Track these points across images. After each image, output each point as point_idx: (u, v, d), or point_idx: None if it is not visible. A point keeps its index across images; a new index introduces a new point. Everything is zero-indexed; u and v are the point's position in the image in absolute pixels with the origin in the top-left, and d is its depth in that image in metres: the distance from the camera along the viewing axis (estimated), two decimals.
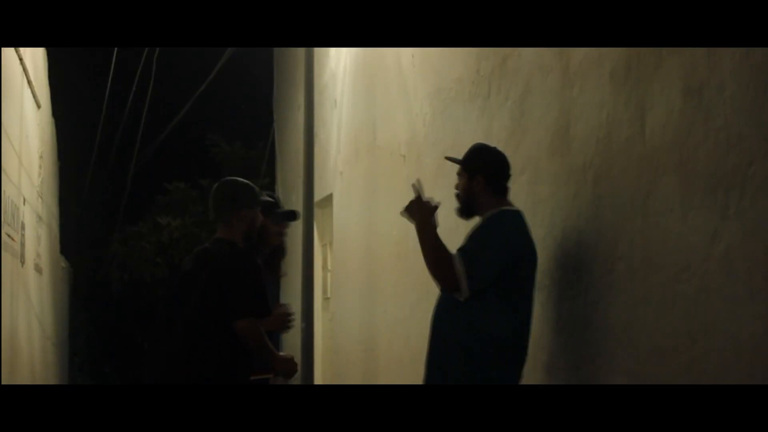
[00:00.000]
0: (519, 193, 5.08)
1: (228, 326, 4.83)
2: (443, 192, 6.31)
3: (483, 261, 4.38)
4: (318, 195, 9.40)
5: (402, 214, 4.69)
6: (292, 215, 5.98)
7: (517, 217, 4.55)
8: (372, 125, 8.26)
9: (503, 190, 4.63)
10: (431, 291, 6.53)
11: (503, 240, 4.44)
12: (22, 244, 7.57)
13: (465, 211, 4.72)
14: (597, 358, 4.30)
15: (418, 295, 6.86)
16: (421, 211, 4.61)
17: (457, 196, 4.72)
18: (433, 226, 4.58)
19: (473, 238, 4.54)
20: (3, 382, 6.24)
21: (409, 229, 7.05)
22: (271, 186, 13.96)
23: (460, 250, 4.47)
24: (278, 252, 5.84)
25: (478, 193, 4.61)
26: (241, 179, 5.18)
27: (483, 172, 4.62)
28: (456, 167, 4.79)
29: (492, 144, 5.40)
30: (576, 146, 4.55)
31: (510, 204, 4.62)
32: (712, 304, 3.48)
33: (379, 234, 7.97)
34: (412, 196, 6.96)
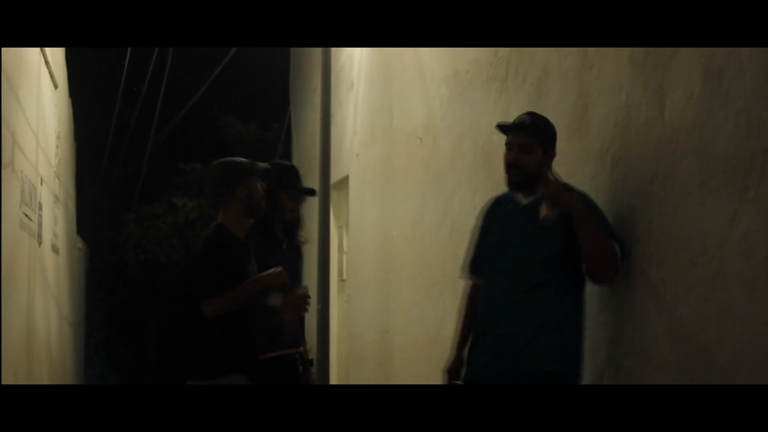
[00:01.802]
0: None
1: (194, 307, 4.81)
2: (460, 174, 6.32)
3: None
4: (334, 177, 9.40)
5: (544, 191, 4.14)
6: (309, 192, 5.96)
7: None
8: (388, 107, 8.25)
9: None
10: (446, 273, 6.54)
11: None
12: (40, 224, 7.59)
13: (525, 187, 4.35)
14: (613, 341, 4.29)
15: (433, 277, 6.86)
16: (566, 197, 4.11)
17: (521, 170, 4.32)
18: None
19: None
20: (20, 362, 6.27)
21: (425, 211, 7.05)
22: None
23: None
24: (293, 225, 5.78)
25: (544, 170, 4.29)
26: (226, 158, 5.12)
27: (553, 149, 4.37)
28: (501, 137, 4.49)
29: None
30: (594, 129, 4.54)
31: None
32: (729, 288, 3.47)
33: (394, 216, 7.97)
34: (427, 178, 6.98)
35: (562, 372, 4.18)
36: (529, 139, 4.31)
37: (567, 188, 4.16)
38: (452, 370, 4.66)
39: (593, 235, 4.07)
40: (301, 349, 5.80)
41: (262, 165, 5.15)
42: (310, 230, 10.20)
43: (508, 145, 4.37)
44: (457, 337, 4.68)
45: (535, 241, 4.25)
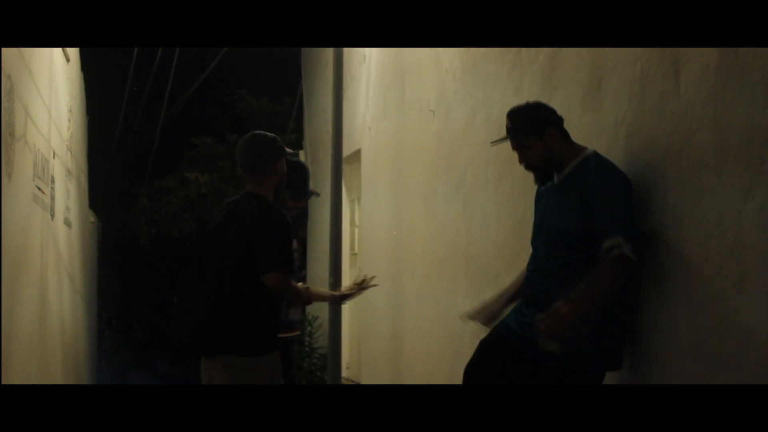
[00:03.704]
0: None
1: (255, 281, 4.83)
2: (473, 148, 6.29)
3: (630, 219, 4.07)
4: (346, 151, 9.39)
5: (543, 324, 3.98)
6: (314, 194, 5.99)
7: (607, 160, 4.24)
8: (401, 80, 8.22)
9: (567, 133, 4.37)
10: (459, 247, 6.53)
11: (627, 188, 4.12)
12: (52, 198, 7.60)
13: (546, 176, 4.39)
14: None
15: (446, 251, 6.85)
16: (561, 332, 3.96)
17: (532, 167, 4.38)
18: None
19: (602, 200, 4.08)
20: (33, 336, 6.29)
21: (437, 185, 7.04)
22: (298, 142, 13.95)
23: (615, 229, 4.01)
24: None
25: (556, 147, 4.30)
26: (266, 133, 5.16)
27: (551, 123, 4.32)
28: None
29: (523, 99, 5.36)
30: (608, 102, 4.51)
31: (581, 145, 4.36)
32: (745, 260, 3.45)
33: (407, 190, 7.96)
34: (440, 152, 6.96)
35: (570, 353, 4.12)
36: (520, 140, 4.36)
37: (565, 322, 3.95)
38: (473, 312, 4.79)
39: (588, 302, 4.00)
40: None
41: (290, 151, 5.22)
42: (323, 204, 10.19)
43: (515, 150, 4.45)
44: (496, 293, 4.80)
45: (559, 219, 4.28)
